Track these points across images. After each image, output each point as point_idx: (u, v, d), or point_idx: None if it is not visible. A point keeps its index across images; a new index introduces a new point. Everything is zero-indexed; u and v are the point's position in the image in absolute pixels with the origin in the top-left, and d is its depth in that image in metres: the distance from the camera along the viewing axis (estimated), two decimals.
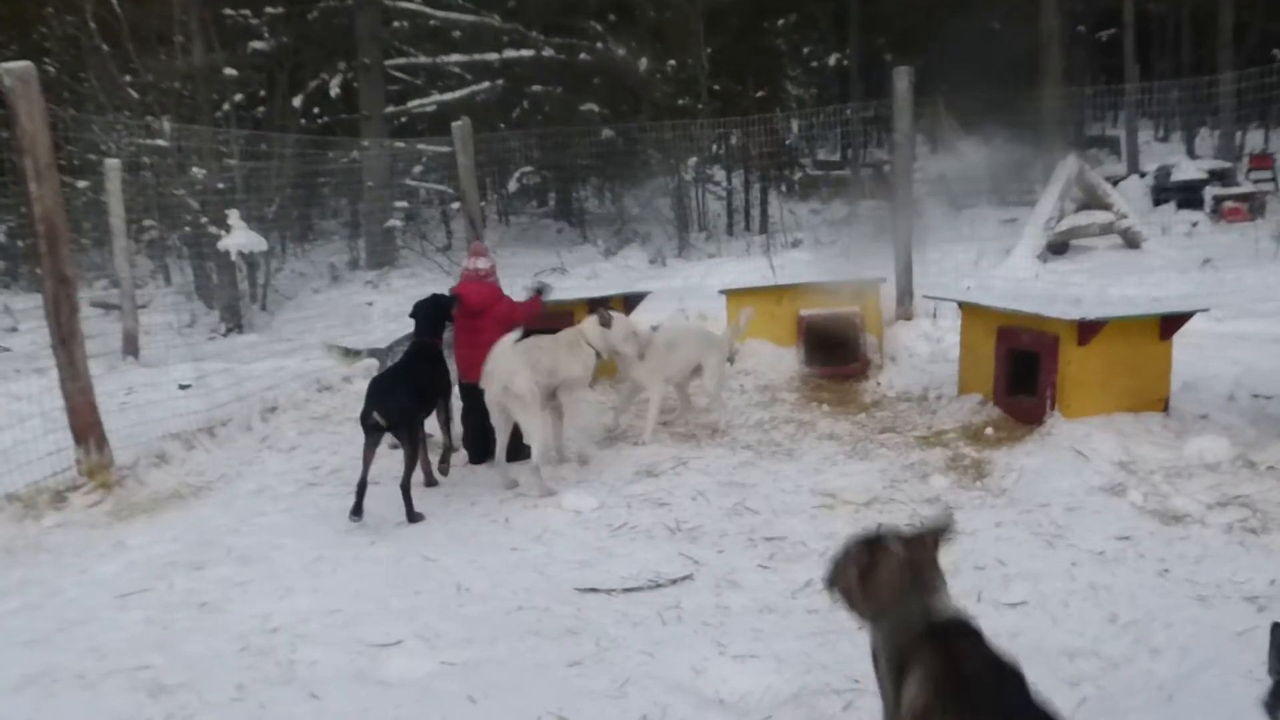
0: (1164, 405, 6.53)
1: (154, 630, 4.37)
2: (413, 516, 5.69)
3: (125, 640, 4.26)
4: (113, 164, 10.93)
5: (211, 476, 6.76)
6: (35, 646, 4.24)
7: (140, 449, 6.88)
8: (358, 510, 5.66)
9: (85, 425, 6.28)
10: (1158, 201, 17.95)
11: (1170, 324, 6.53)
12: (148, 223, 14.29)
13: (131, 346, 11.10)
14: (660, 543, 5.18)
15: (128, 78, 15.26)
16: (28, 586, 4.95)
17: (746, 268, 13.37)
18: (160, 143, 12.60)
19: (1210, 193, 17.27)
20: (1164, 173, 18.77)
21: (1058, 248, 14.06)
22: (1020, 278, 12.17)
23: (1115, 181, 17.03)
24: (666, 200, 19.27)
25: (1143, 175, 20.00)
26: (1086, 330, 6.29)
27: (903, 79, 9.67)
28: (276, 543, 5.42)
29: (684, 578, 4.71)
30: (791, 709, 3.56)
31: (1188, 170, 18.52)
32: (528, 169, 19.02)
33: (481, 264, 7.00)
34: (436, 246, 18.49)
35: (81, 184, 13.15)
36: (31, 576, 5.08)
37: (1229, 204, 16.64)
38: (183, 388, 8.63)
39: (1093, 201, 14.23)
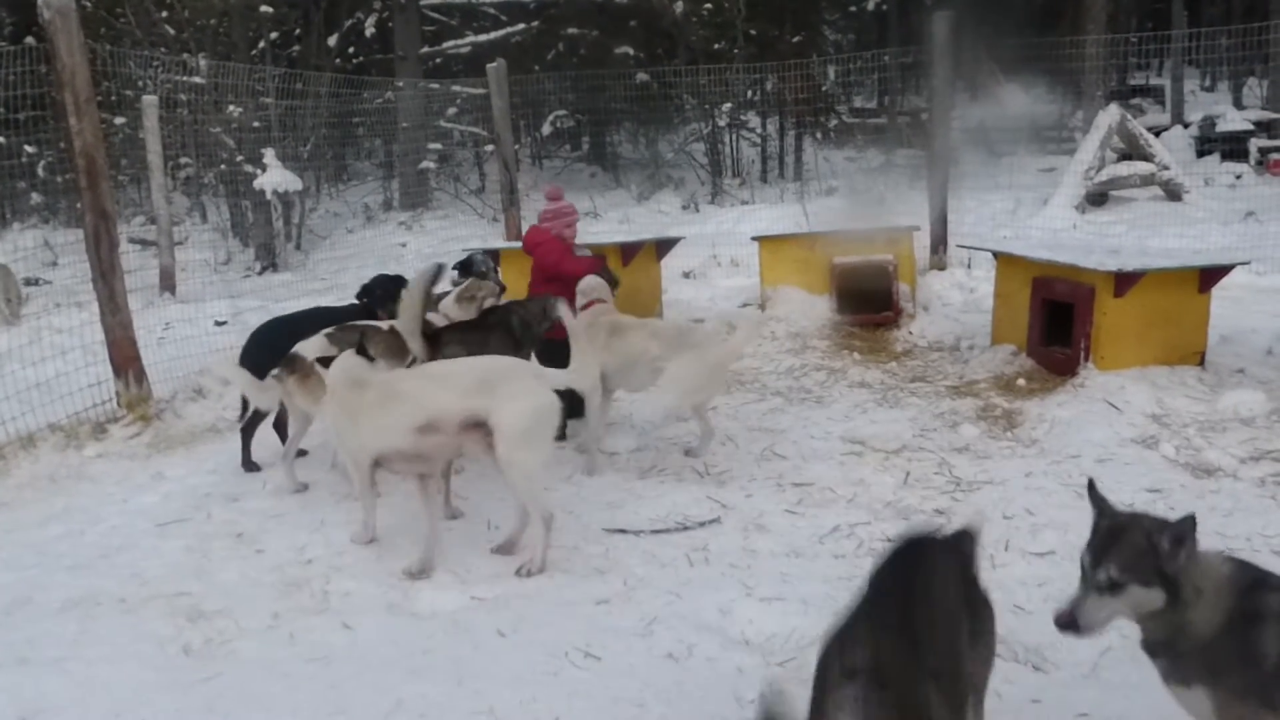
0: (1200, 359, 6.48)
1: (193, 558, 4.49)
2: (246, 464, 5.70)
3: (165, 567, 4.37)
4: (150, 100, 10.96)
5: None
6: (78, 571, 4.37)
7: (178, 383, 7.00)
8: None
9: (125, 359, 6.40)
10: (1201, 153, 17.55)
11: (1209, 276, 6.45)
12: (184, 160, 14.34)
13: (168, 283, 11.22)
14: (689, 486, 5.22)
15: (164, 14, 15.25)
16: (71, 514, 5.09)
17: (780, 214, 13.27)
18: (196, 80, 12.60)
19: (1256, 144, 16.90)
20: (1209, 123, 18.33)
21: (1097, 198, 13.84)
22: (1058, 228, 12.01)
23: (1158, 132, 16.68)
24: (700, 145, 19.10)
25: (1187, 125, 19.55)
26: (1123, 281, 6.23)
27: (942, 24, 9.52)
28: (310, 477, 5.51)
29: (712, 521, 4.75)
30: (817, 651, 3.60)
31: (1233, 121, 18.07)
32: (562, 112, 18.84)
33: (545, 208, 6.83)
34: (470, 189, 18.45)
35: (119, 120, 13.21)
36: (74, 504, 5.22)
37: (1275, 156, 16.27)
38: (219, 324, 8.75)
39: (1134, 152, 13.97)
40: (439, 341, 5.41)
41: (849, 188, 16.81)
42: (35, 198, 15.58)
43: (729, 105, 18.06)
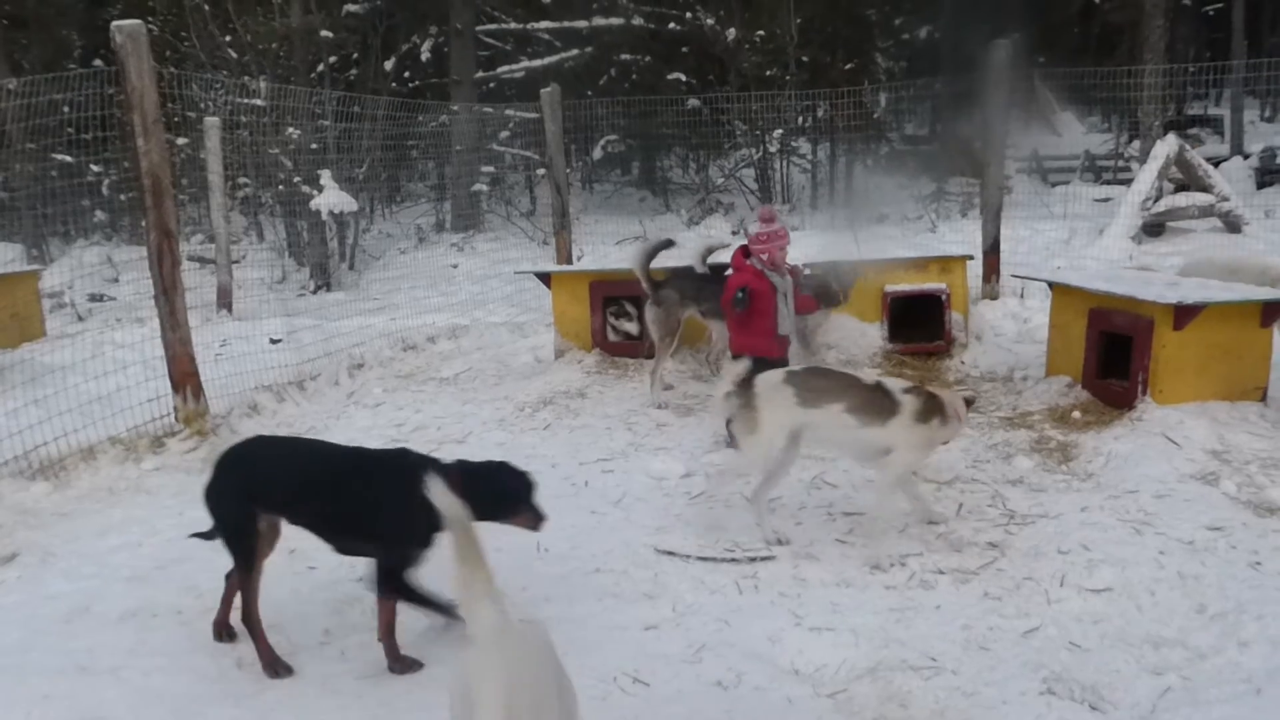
0: (1262, 394, 6.33)
1: None
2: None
3: (220, 581, 4.40)
4: (212, 122, 11.20)
5: (300, 428, 6.95)
6: (135, 582, 4.44)
7: (234, 399, 7.11)
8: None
9: (184, 374, 6.51)
10: (1262, 184, 17.29)
11: (1272, 310, 6.31)
12: (243, 180, 14.63)
13: (225, 300, 11.41)
14: (738, 513, 5.19)
15: (227, 38, 15.61)
16: (129, 525, 5.18)
17: (830, 241, 13.21)
18: (257, 102, 12.87)
19: None
20: (1270, 154, 18.08)
21: (1154, 229, 13.65)
22: (1113, 259, 11.86)
23: (1217, 162, 16.44)
24: (750, 171, 19.14)
25: (1247, 156, 19.29)
26: (1183, 314, 6.12)
27: (998, 53, 9.48)
28: None
29: (766, 558, 4.70)
30: (868, 683, 3.57)
31: None
32: (613, 137, 18.99)
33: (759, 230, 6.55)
34: (521, 212, 18.63)
35: (181, 141, 13.50)
36: (132, 516, 5.31)
37: None
38: (274, 342, 8.88)
39: (1192, 183, 13.77)
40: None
41: (900, 215, 16.73)
42: (99, 215, 15.95)
43: (780, 131, 18.10)
